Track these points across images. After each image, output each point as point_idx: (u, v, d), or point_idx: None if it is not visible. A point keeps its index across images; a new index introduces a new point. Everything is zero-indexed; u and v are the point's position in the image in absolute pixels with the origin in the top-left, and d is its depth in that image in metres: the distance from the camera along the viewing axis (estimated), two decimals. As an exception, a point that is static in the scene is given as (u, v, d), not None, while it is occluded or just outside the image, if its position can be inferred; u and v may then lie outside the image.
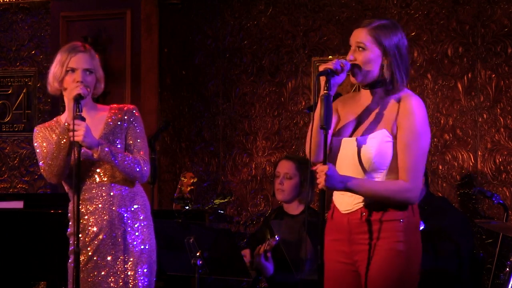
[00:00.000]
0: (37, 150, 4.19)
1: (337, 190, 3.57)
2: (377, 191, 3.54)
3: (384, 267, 3.53)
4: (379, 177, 3.56)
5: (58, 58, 4.14)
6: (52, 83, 4.15)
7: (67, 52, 4.13)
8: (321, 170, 3.51)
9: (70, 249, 4.16)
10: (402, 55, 3.58)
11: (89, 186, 4.14)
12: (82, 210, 4.09)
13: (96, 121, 4.18)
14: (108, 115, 4.21)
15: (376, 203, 3.55)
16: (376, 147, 3.53)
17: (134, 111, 4.24)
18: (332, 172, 3.50)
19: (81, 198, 4.07)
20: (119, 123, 4.19)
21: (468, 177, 6.09)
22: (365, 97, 3.68)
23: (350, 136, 3.63)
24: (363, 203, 3.57)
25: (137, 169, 4.11)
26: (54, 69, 4.14)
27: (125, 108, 4.24)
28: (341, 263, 3.63)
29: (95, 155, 4.04)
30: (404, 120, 3.52)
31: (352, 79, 3.63)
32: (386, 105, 3.60)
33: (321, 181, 3.50)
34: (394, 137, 3.54)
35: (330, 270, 3.65)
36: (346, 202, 3.62)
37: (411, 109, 3.53)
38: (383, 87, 3.61)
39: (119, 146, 4.13)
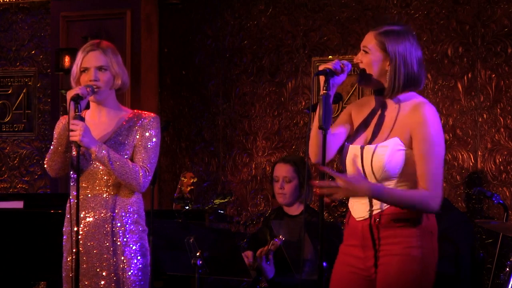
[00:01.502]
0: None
1: (359, 196, 3.55)
2: (402, 199, 3.50)
3: (398, 273, 3.50)
4: (390, 185, 3.54)
5: (76, 59, 4.16)
6: (72, 84, 4.16)
7: (80, 52, 4.15)
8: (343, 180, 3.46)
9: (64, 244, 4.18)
10: (408, 62, 3.55)
11: (85, 186, 4.13)
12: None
13: (112, 121, 4.17)
14: (125, 118, 4.18)
15: (388, 210, 3.52)
16: (388, 155, 3.50)
17: (151, 121, 4.16)
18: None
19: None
20: (130, 128, 4.15)
21: (468, 177, 6.09)
22: (377, 103, 3.66)
23: (364, 143, 3.61)
24: (376, 210, 3.55)
25: (134, 179, 4.05)
26: (72, 70, 4.16)
27: (144, 115, 4.18)
28: (352, 267, 3.61)
29: (93, 156, 4.04)
30: (419, 129, 3.50)
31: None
32: (398, 113, 3.58)
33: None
34: (407, 146, 3.51)
35: (337, 272, 3.65)
36: (360, 209, 3.60)
37: (425, 118, 3.51)
38: (392, 94, 3.60)
39: (122, 152, 4.10)
